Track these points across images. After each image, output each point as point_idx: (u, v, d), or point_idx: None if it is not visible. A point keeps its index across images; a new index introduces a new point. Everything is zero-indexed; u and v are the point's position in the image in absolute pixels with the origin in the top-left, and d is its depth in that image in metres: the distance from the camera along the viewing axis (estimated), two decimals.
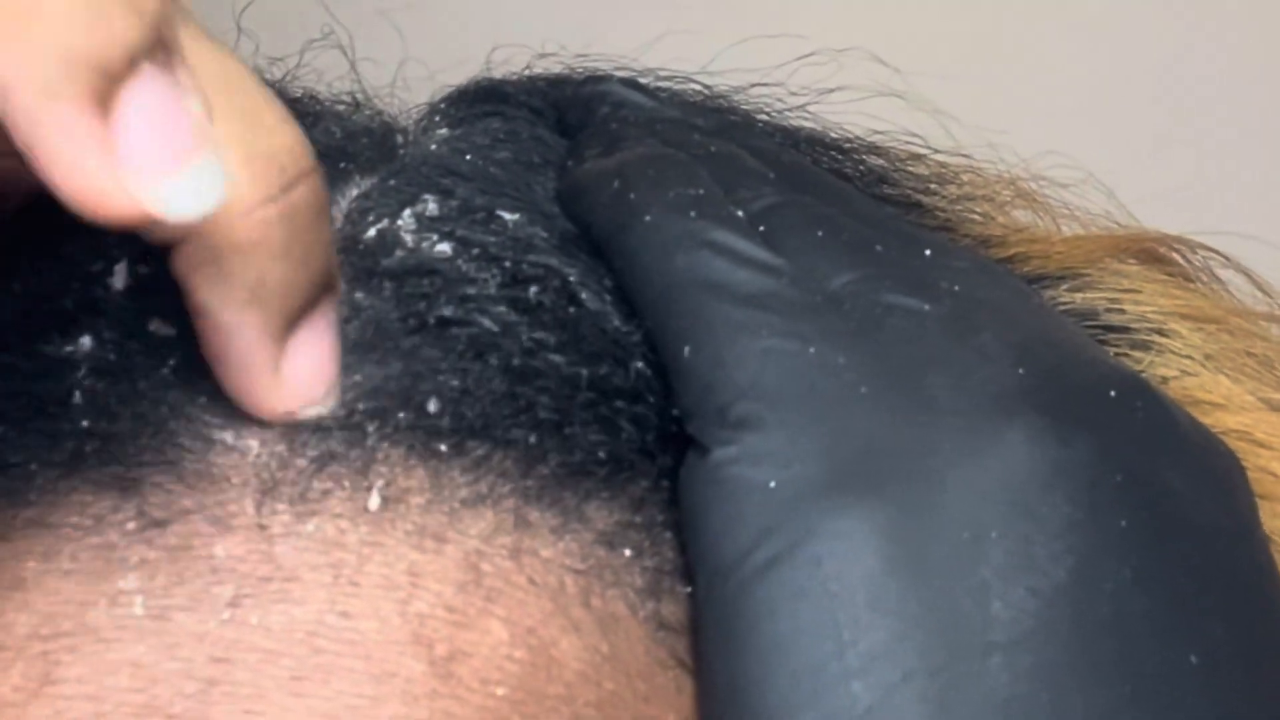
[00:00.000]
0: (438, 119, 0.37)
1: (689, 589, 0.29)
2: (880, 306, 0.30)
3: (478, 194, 0.33)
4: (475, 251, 0.31)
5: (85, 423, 0.28)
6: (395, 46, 0.47)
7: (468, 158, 0.34)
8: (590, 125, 0.35)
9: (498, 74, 0.41)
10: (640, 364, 0.31)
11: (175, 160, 0.24)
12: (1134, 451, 0.28)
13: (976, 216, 0.38)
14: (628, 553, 0.29)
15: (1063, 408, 0.28)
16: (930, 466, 0.27)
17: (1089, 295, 0.35)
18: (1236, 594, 0.28)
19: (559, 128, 0.36)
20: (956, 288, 0.30)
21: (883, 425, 0.28)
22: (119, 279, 0.30)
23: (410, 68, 0.45)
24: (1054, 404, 0.28)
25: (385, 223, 0.32)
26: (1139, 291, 0.35)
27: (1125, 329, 0.35)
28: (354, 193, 0.33)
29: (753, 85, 0.42)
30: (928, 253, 0.31)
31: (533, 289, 0.31)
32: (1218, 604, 0.28)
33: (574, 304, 0.31)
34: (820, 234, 0.31)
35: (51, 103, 0.24)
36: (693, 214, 0.31)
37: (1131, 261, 0.36)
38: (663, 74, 0.41)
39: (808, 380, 0.28)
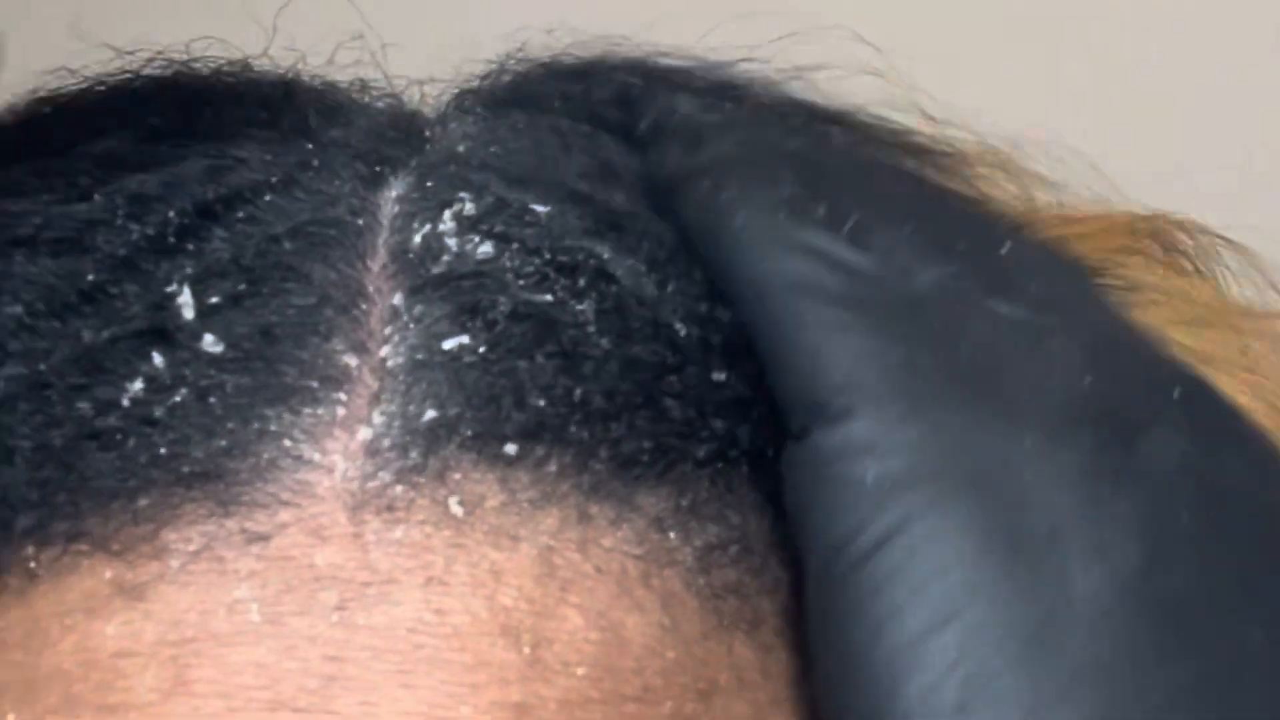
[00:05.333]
0: (462, 112, 0.40)
1: (737, 552, 0.33)
2: (963, 307, 0.33)
3: (509, 188, 0.35)
4: (515, 246, 0.34)
5: (181, 446, 0.32)
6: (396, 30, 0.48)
7: (493, 150, 0.37)
8: (666, 128, 0.38)
9: (501, 55, 0.43)
10: (680, 327, 0.34)
11: None
12: (1196, 446, 0.33)
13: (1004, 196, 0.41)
14: (674, 535, 0.33)
15: (1128, 411, 0.32)
16: (1011, 463, 0.31)
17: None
18: None
19: (596, 119, 0.39)
20: (1032, 287, 0.34)
21: (967, 424, 0.32)
22: (186, 307, 0.33)
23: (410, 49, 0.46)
24: (1120, 408, 0.32)
25: (429, 227, 0.35)
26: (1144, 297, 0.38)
27: None
28: (391, 194, 0.36)
29: (741, 60, 0.44)
30: (1004, 250, 0.35)
31: (571, 273, 0.34)
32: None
33: (610, 281, 0.34)
34: (904, 231, 0.34)
35: None
36: (782, 216, 0.34)
37: (1147, 244, 0.39)
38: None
39: (898, 380, 0.32)
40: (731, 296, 0.34)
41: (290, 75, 0.41)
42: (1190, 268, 0.41)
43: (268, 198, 0.35)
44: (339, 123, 0.39)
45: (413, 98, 0.42)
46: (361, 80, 0.42)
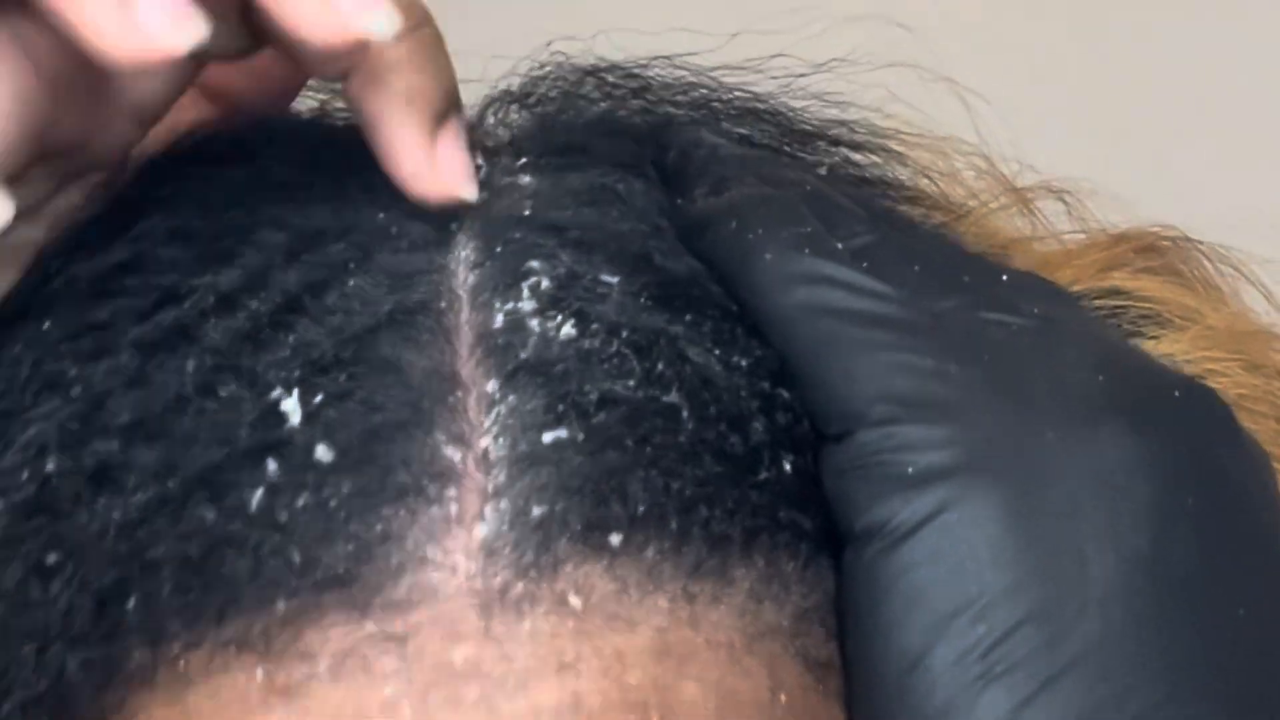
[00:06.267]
0: (511, 160, 0.41)
1: (824, 616, 0.37)
2: (979, 323, 0.37)
3: (577, 258, 0.38)
4: (595, 327, 0.37)
5: (312, 551, 0.35)
6: None
7: (553, 212, 0.39)
8: (691, 166, 0.41)
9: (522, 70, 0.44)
10: (752, 413, 0.37)
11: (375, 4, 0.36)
12: (1197, 441, 0.37)
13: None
14: (769, 603, 0.37)
15: (1137, 408, 0.36)
16: (1036, 455, 0.35)
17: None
18: (1275, 560, 0.37)
19: (653, 165, 0.41)
20: (1036, 309, 0.38)
21: (996, 423, 0.36)
22: (294, 413, 0.36)
23: None
24: (1130, 405, 0.36)
25: (510, 305, 0.37)
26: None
27: None
28: (461, 255, 0.38)
29: (774, 56, 0.47)
30: (1004, 278, 0.39)
31: (649, 354, 0.37)
32: (1261, 567, 0.37)
33: (685, 362, 0.37)
34: (916, 268, 0.38)
35: None
36: (806, 251, 0.38)
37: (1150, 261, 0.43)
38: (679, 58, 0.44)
39: (929, 387, 0.36)
40: (764, 328, 0.38)
41: (325, 116, 0.43)
42: (1193, 280, 0.45)
43: (351, 282, 0.37)
44: None
45: None
46: None
